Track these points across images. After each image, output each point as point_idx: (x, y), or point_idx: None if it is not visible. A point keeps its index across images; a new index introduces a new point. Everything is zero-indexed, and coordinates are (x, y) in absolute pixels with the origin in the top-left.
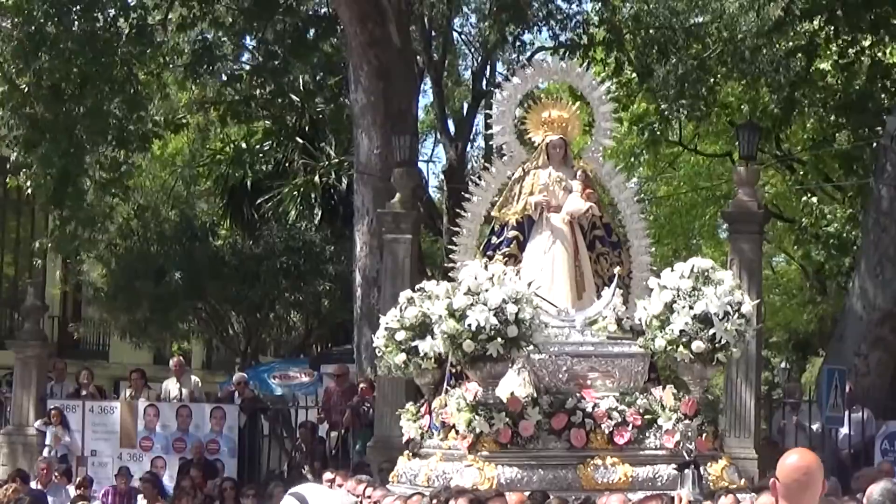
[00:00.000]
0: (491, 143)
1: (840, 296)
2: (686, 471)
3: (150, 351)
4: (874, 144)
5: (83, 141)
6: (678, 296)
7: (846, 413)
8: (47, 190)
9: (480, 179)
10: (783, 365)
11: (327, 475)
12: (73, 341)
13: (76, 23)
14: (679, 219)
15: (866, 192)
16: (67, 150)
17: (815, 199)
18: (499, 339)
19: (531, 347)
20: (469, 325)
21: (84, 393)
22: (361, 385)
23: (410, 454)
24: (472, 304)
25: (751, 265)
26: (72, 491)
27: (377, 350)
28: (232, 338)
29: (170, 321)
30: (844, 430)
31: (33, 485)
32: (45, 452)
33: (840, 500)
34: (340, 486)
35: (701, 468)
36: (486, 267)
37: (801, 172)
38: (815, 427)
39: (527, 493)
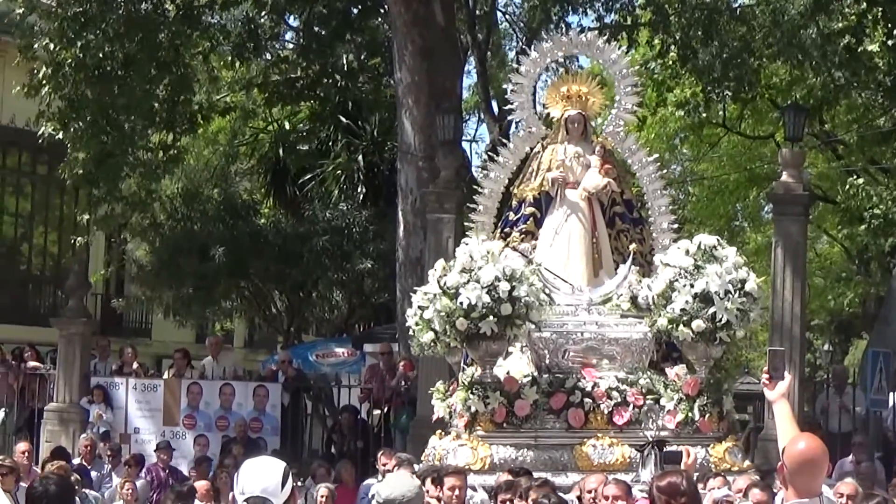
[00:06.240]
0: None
1: (884, 277)
2: (647, 451)
3: (192, 329)
4: None
5: (121, 121)
6: (680, 274)
7: (891, 395)
8: (83, 167)
9: (498, 155)
10: (826, 347)
11: (382, 458)
12: (116, 319)
13: (122, 6)
14: (722, 200)
15: None
16: (104, 129)
17: (860, 180)
18: (491, 318)
19: (532, 326)
20: (461, 303)
21: (127, 371)
22: (402, 363)
23: (442, 433)
24: (465, 282)
25: (795, 247)
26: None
27: (409, 329)
28: (274, 316)
29: (213, 299)
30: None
31: (76, 462)
32: (88, 430)
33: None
34: (385, 464)
35: (665, 448)
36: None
37: (845, 156)
38: (858, 409)
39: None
